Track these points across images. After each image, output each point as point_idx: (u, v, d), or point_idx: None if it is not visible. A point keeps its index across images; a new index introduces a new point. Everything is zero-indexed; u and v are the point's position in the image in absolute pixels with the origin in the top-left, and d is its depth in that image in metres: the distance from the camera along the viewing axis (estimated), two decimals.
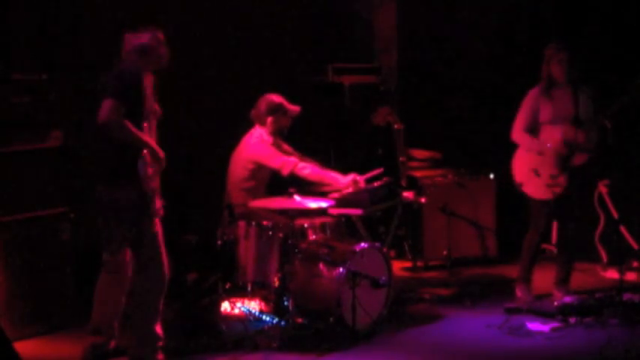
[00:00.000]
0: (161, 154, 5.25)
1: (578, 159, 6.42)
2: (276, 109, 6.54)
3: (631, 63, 7.64)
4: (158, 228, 5.32)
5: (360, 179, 6.52)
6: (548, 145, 6.40)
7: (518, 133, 6.53)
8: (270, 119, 6.54)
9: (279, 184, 6.63)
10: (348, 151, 8.27)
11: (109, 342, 5.53)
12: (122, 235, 5.34)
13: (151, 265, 5.29)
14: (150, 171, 5.18)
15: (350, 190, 6.47)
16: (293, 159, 6.47)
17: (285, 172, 6.43)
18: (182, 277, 6.43)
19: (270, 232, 6.11)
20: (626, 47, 7.87)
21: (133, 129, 5.10)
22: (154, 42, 5.41)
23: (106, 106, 5.05)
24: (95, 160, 5.34)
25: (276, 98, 6.57)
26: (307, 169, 6.45)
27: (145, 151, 5.15)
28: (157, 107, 5.42)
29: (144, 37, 5.40)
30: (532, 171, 6.49)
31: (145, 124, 5.28)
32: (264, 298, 6.28)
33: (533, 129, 6.51)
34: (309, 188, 6.49)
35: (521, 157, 6.58)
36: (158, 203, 5.30)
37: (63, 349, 5.85)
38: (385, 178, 6.64)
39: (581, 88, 6.45)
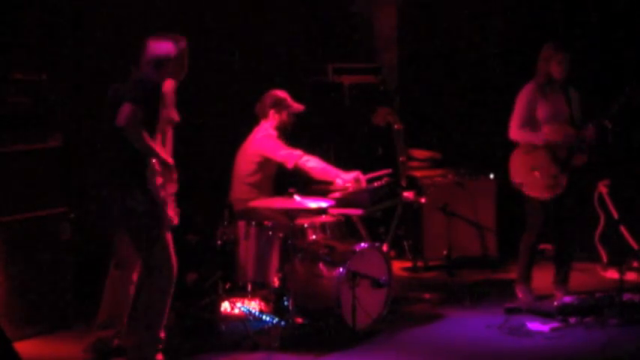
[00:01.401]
0: (170, 161, 5.25)
1: (579, 159, 6.43)
2: (278, 103, 6.62)
3: (627, 64, 7.67)
4: (169, 235, 5.32)
5: (363, 178, 6.54)
6: (549, 136, 6.41)
7: (516, 130, 6.52)
8: (272, 111, 6.61)
9: (280, 184, 6.64)
10: (348, 151, 8.26)
11: (113, 339, 5.53)
12: (133, 240, 5.36)
13: (160, 271, 5.29)
14: (159, 180, 5.18)
15: (351, 188, 6.49)
16: (298, 152, 6.50)
17: (290, 164, 6.47)
18: (182, 277, 6.43)
19: (270, 232, 6.11)
20: (622, 49, 7.89)
21: (146, 136, 5.10)
22: (172, 53, 5.31)
23: (125, 111, 5.03)
24: (103, 165, 5.32)
25: (280, 93, 6.67)
26: (311, 161, 6.49)
27: (153, 160, 5.16)
28: (174, 115, 5.40)
29: (163, 47, 5.31)
30: (531, 171, 6.48)
31: (159, 135, 5.28)
32: (264, 298, 6.28)
33: (530, 127, 6.51)
34: (310, 187, 6.51)
35: (520, 157, 6.57)
36: (171, 211, 5.29)
37: (63, 349, 5.85)
38: (385, 178, 6.65)
39: (570, 88, 6.49)
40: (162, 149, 5.27)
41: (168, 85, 5.35)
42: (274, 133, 6.62)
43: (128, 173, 5.20)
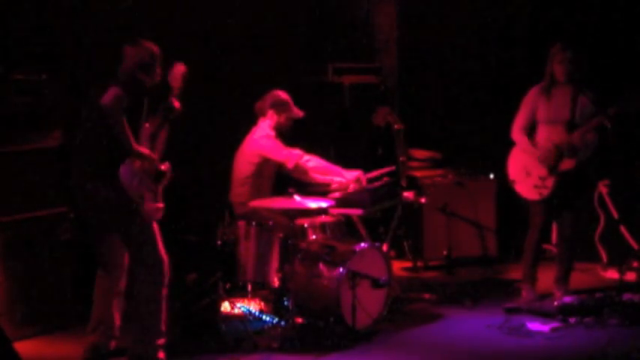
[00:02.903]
0: (145, 151, 5.25)
1: (566, 164, 6.42)
2: (279, 104, 6.59)
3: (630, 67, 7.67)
4: (155, 227, 5.33)
5: (364, 178, 6.54)
6: (538, 154, 6.44)
7: (516, 131, 6.58)
8: (271, 111, 6.59)
9: (280, 184, 6.64)
10: (349, 151, 8.26)
11: (109, 342, 5.53)
12: (119, 236, 5.37)
13: (150, 266, 5.30)
14: (135, 180, 5.21)
15: (351, 188, 6.49)
16: (298, 152, 6.50)
17: (290, 165, 6.46)
18: (182, 277, 6.43)
19: (270, 232, 6.11)
20: (626, 51, 7.89)
21: (127, 130, 5.11)
22: (150, 60, 5.39)
23: (112, 93, 5.11)
24: (86, 158, 5.33)
25: (282, 95, 6.64)
26: (312, 161, 6.50)
27: (130, 155, 5.18)
28: (176, 103, 5.42)
29: (142, 53, 5.38)
30: (524, 170, 6.52)
31: (147, 124, 5.32)
32: (264, 298, 6.28)
33: (531, 127, 6.53)
34: (310, 188, 6.51)
35: (516, 156, 6.63)
36: (151, 206, 5.29)
37: (63, 349, 5.85)
38: (385, 178, 6.66)
39: (583, 90, 6.44)
40: (156, 147, 5.31)
41: (177, 72, 5.40)
42: (272, 133, 6.60)
43: (103, 168, 5.21)
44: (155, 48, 5.42)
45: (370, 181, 6.61)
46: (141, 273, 5.34)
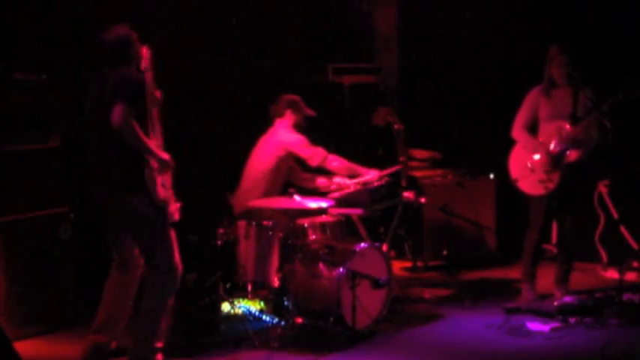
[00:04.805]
0: (165, 156, 5.25)
1: (572, 155, 6.43)
2: (294, 104, 6.70)
3: (628, 62, 7.66)
4: (172, 233, 5.32)
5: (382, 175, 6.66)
6: (541, 141, 6.45)
7: (517, 130, 6.61)
8: (289, 111, 6.68)
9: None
10: (348, 151, 8.26)
11: (110, 342, 5.52)
12: (136, 242, 5.36)
13: (164, 272, 5.29)
14: (158, 181, 5.19)
15: (351, 188, 6.53)
16: (322, 150, 6.55)
17: (314, 162, 6.55)
18: (182, 277, 6.43)
19: (270, 232, 6.12)
20: (624, 45, 7.87)
21: (142, 135, 5.10)
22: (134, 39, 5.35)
23: (119, 111, 5.03)
24: (102, 168, 5.30)
25: (295, 97, 6.75)
26: (336, 161, 6.61)
27: (150, 162, 5.15)
28: (157, 94, 5.37)
29: (126, 37, 5.33)
30: (527, 167, 6.53)
31: (149, 123, 5.28)
32: (264, 298, 6.28)
33: (532, 127, 6.55)
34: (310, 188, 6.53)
35: (518, 154, 6.64)
36: (172, 207, 5.30)
37: (63, 349, 5.85)
38: (385, 178, 6.67)
39: (583, 89, 6.46)
40: (156, 138, 5.27)
41: (144, 55, 5.33)
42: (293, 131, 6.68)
43: (127, 175, 5.19)
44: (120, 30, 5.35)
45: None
46: (153, 278, 5.31)
